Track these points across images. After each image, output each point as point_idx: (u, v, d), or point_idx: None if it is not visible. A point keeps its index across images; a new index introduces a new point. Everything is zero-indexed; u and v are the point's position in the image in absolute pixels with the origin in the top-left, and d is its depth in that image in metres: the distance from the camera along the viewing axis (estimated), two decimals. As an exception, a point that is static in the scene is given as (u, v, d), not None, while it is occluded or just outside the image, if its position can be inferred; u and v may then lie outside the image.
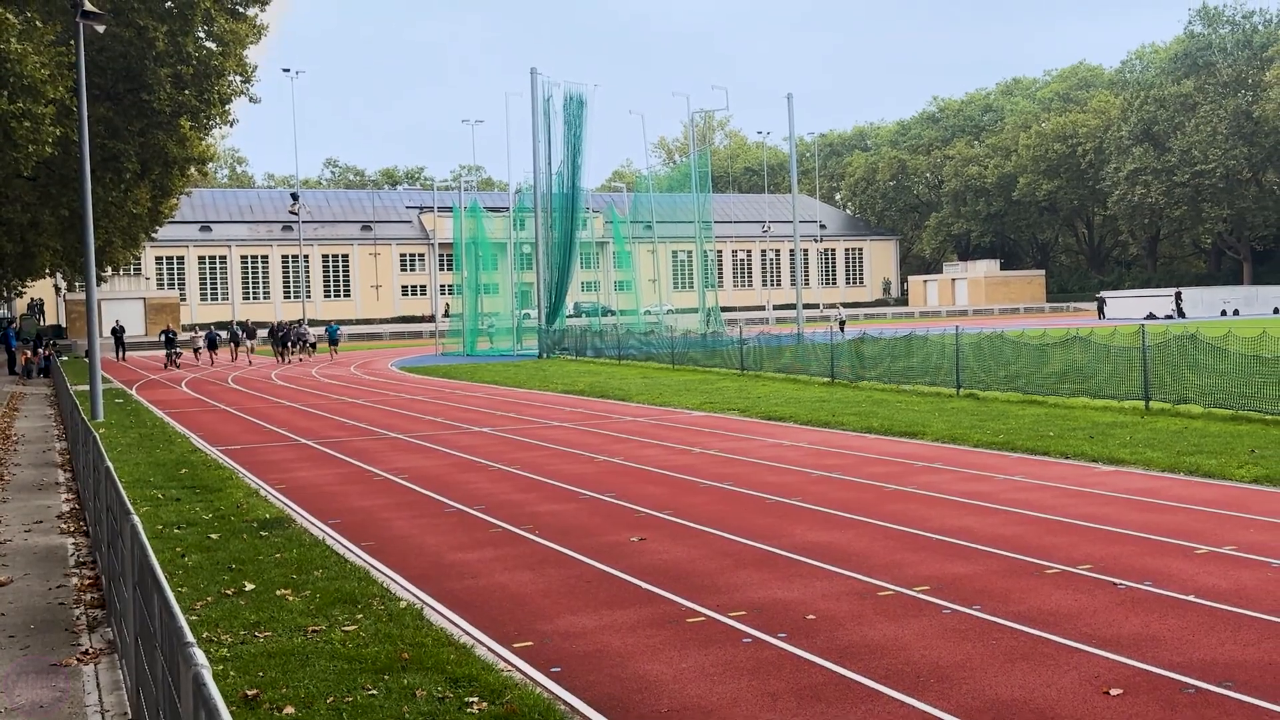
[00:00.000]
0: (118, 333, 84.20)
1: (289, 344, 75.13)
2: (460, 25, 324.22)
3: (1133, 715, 8.79)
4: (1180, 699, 9.08)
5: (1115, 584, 12.57)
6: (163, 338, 75.75)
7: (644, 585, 13.28)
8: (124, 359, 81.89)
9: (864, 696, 9.42)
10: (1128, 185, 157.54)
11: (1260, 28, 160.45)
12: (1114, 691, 9.29)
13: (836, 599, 12.37)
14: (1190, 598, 11.91)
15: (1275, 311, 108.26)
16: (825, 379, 42.05)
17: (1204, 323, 62.76)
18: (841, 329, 73.33)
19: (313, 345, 79.23)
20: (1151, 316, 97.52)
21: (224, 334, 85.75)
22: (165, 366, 70.32)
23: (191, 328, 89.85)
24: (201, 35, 48.45)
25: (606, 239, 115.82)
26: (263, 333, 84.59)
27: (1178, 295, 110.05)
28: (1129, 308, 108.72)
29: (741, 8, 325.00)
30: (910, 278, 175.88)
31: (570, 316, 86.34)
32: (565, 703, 9.51)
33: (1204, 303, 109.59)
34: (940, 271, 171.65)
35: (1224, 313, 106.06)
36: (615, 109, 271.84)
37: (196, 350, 79.28)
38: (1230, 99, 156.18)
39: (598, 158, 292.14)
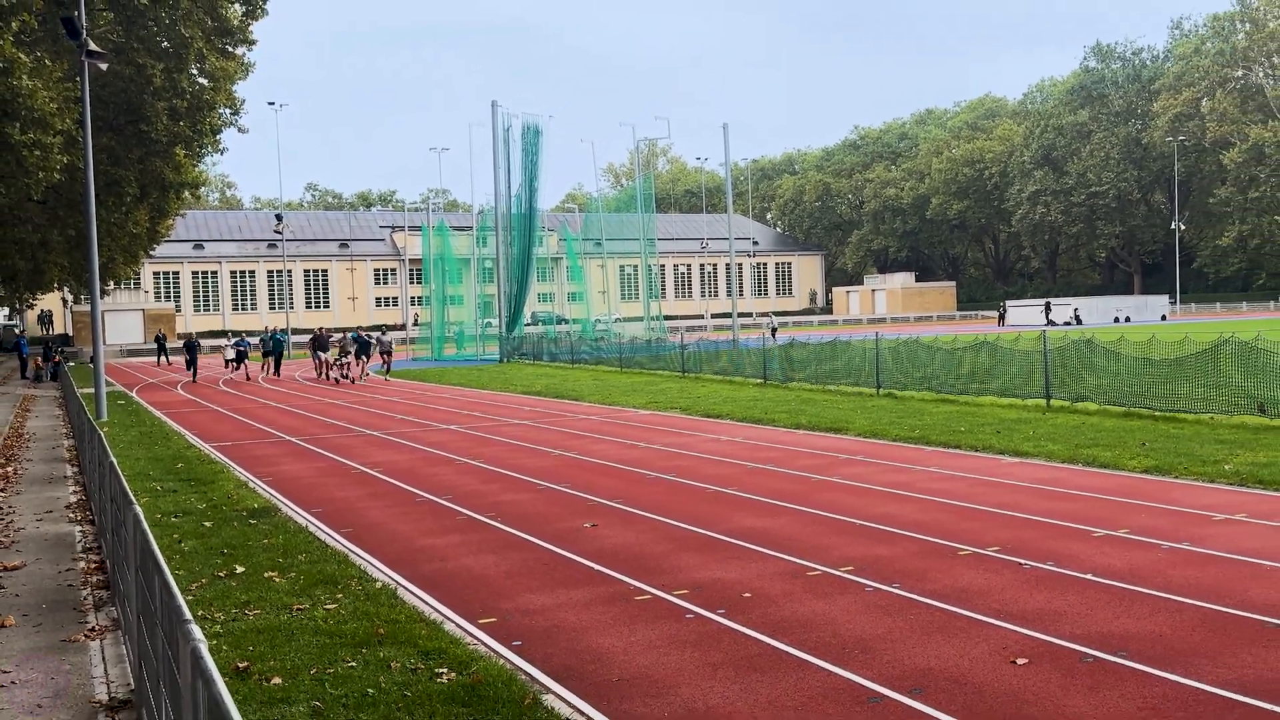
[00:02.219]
0: (160, 339, 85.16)
1: (365, 354, 55.17)
2: (431, 61, 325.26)
3: (1037, 682, 8.82)
4: (1080, 667, 9.12)
5: (1021, 564, 12.62)
6: (156, 342, 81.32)
7: (596, 567, 13.26)
8: (167, 363, 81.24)
9: (795, 666, 9.42)
10: (1029, 205, 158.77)
11: (1148, 63, 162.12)
12: (1020, 661, 9.33)
13: (770, 579, 12.38)
14: (1088, 576, 11.97)
15: (1163, 319, 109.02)
16: (758, 380, 42.10)
17: (1099, 329, 63.15)
18: (773, 335, 73.55)
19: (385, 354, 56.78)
20: (1052, 323, 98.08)
21: (254, 341, 73.73)
22: (156, 364, 73.67)
23: (187, 335, 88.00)
24: (195, 72, 48.67)
25: (560, 255, 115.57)
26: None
27: (1047, 305, 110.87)
28: (1028, 315, 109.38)
29: (693, 49, 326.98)
30: (834, 289, 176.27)
31: (528, 325, 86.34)
32: (526, 673, 9.49)
33: (1099, 311, 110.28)
34: (861, 283, 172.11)
35: (1117, 319, 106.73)
36: (569, 137, 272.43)
37: (228, 362, 61.66)
38: (1121, 127, 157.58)
39: (552, 181, 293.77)
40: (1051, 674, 9.00)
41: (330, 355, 56.29)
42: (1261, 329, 32.38)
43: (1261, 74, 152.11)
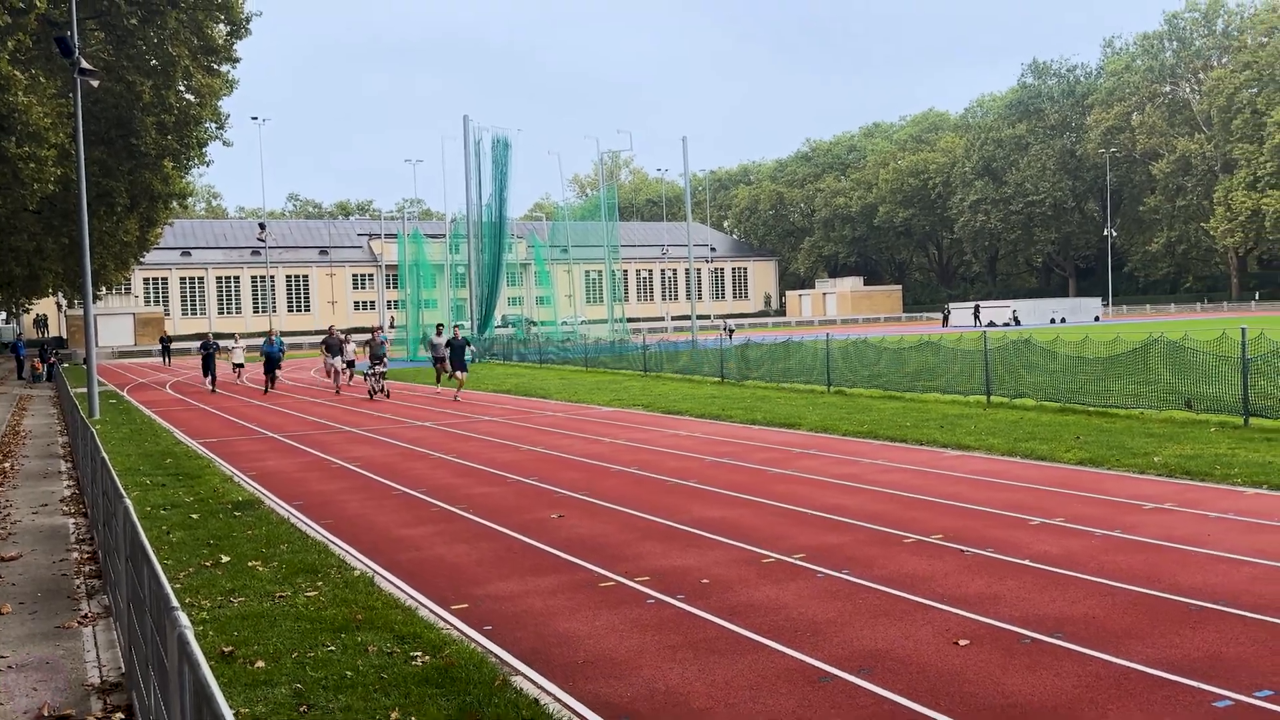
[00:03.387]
0: (165, 341, 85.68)
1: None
2: (406, 78, 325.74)
3: (978, 662, 8.86)
4: (1018, 648, 9.17)
5: (963, 551, 12.68)
6: (160, 344, 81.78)
7: (563, 555, 13.25)
8: (169, 364, 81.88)
9: (750, 648, 9.44)
10: (971, 213, 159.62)
11: (1082, 79, 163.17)
12: (962, 642, 9.37)
13: (727, 566, 12.40)
14: (1026, 562, 12.03)
15: (1096, 320, 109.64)
16: (716, 379, 42.13)
17: (1036, 329, 63.42)
18: (730, 336, 73.66)
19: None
20: (992, 324, 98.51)
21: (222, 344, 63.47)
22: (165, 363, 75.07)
23: (167, 339, 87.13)
24: (182, 89, 48.65)
25: (529, 260, 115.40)
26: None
27: (977, 308, 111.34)
28: (970, 317, 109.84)
29: (654, 66, 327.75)
30: (788, 292, 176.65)
31: (498, 327, 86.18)
32: (496, 656, 9.47)
33: (1036, 312, 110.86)
34: (813, 287, 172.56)
35: (1053, 320, 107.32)
36: (537, 150, 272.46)
37: (236, 366, 55.24)
38: (1057, 139, 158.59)
39: (521, 191, 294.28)
40: (991, 654, 9.04)
41: (339, 362, 45.86)
42: (1189, 329, 32.63)
43: (1188, 89, 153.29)
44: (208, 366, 50.26)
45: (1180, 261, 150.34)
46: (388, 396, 40.89)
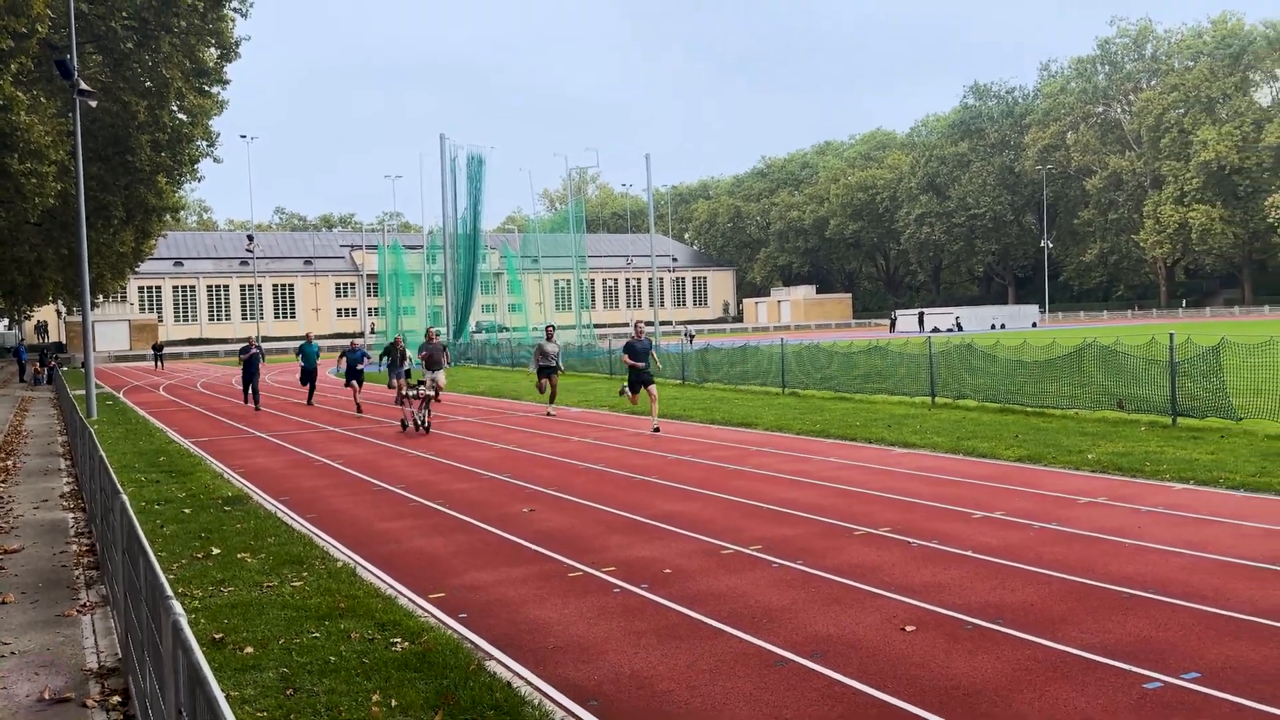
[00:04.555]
0: (158, 348, 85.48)
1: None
2: (387, 97, 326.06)
3: (924, 647, 8.90)
4: (961, 634, 9.21)
5: (909, 542, 12.72)
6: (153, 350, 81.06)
7: (533, 547, 13.24)
8: (162, 368, 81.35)
9: (710, 634, 9.46)
10: (916, 226, 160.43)
11: (1020, 100, 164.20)
12: (909, 628, 9.41)
13: (688, 556, 12.41)
14: (969, 553, 12.08)
15: (1034, 326, 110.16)
16: (678, 381, 42.14)
17: (977, 335, 63.74)
18: (690, 341, 73.62)
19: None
20: (936, 330, 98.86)
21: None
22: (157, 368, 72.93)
23: (160, 347, 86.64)
24: (175, 109, 48.66)
25: (501, 270, 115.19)
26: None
27: (921, 315, 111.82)
28: (915, 323, 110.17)
29: (621, 87, 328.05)
30: (745, 300, 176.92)
31: (473, 332, 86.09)
32: (471, 642, 9.46)
33: (977, 319, 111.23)
34: (769, 295, 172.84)
35: (993, 326, 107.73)
36: (509, 166, 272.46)
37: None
38: (997, 157, 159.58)
39: (494, 205, 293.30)
40: (936, 639, 9.08)
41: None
42: (1120, 335, 32.85)
43: (1119, 110, 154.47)
44: (249, 376, 37.93)
45: (1112, 271, 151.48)
46: (426, 431, 27.76)
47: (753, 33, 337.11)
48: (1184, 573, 10.91)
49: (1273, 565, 11.06)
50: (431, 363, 29.19)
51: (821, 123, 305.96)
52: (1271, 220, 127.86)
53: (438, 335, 30.64)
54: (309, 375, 39.11)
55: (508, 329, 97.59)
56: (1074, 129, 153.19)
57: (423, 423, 27.93)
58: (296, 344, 38.11)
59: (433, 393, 28.00)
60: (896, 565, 11.66)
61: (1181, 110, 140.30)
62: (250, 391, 38.13)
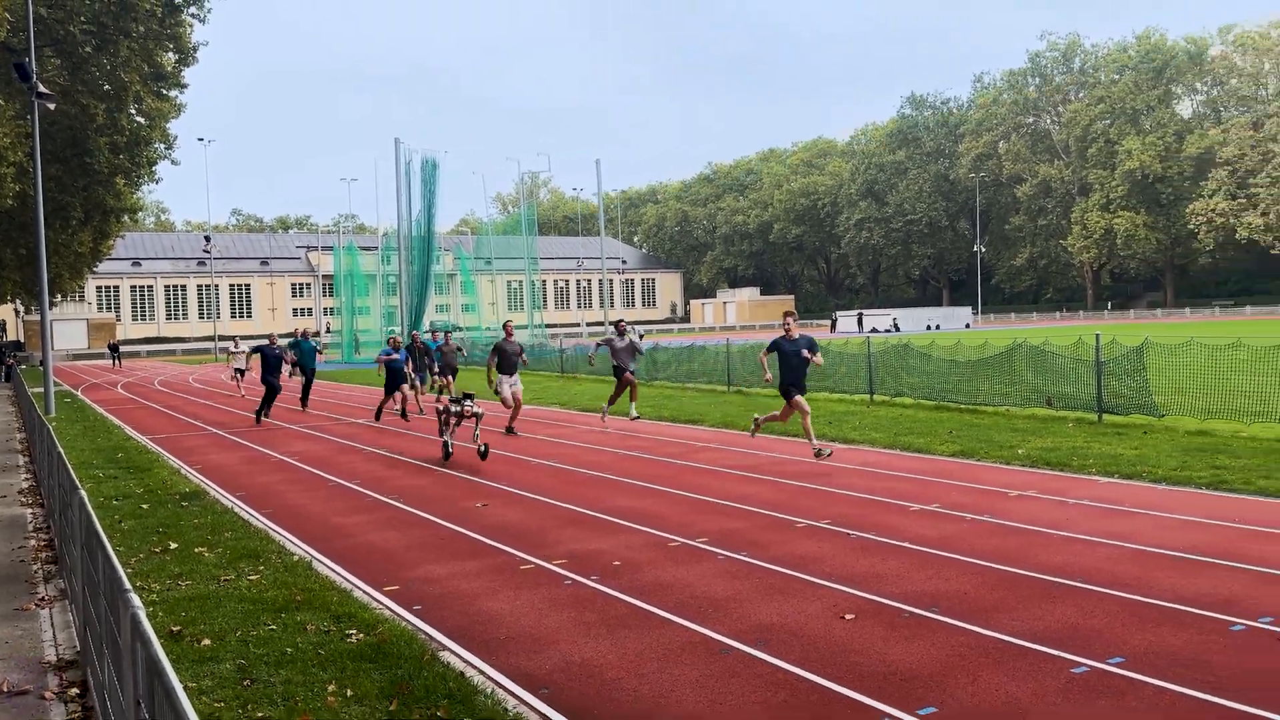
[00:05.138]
0: (114, 347, 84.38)
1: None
2: (342, 101, 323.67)
3: (863, 634, 8.93)
4: (899, 621, 9.25)
5: (849, 534, 12.77)
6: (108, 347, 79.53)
7: (486, 541, 13.19)
8: (120, 367, 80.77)
9: (659, 624, 9.45)
10: (856, 231, 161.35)
11: (955, 111, 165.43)
12: (849, 616, 9.44)
13: (637, 549, 12.41)
14: (906, 544, 12.14)
15: (967, 326, 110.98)
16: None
17: (914, 335, 64.06)
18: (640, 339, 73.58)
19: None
20: (874, 330, 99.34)
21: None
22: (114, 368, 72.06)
23: (116, 345, 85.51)
24: (133, 112, 48.07)
25: (455, 271, 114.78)
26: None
27: (860, 316, 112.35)
28: (854, 324, 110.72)
29: (572, 93, 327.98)
30: (692, 301, 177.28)
31: (427, 332, 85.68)
32: (425, 633, 9.41)
33: (913, 320, 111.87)
34: (715, 296, 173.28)
35: (929, 327, 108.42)
36: (462, 170, 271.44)
37: (239, 372, 44.53)
38: (932, 165, 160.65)
39: (448, 208, 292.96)
40: (875, 627, 9.12)
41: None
42: (1049, 335, 33.14)
43: (1049, 120, 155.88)
44: (268, 379, 31.22)
45: (1042, 274, 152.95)
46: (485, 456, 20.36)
47: (700, 42, 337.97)
48: (1109, 562, 11.00)
49: (1193, 555, 11.18)
50: (506, 365, 24.61)
51: (765, 131, 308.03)
52: (1192, 226, 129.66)
53: (513, 334, 25.33)
54: (305, 374, 34.66)
55: (461, 329, 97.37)
56: (1006, 138, 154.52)
57: (477, 444, 20.46)
58: (288, 340, 31.35)
59: (480, 411, 20.62)
60: (837, 556, 11.69)
61: (1108, 121, 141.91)
62: (266, 402, 31.06)
